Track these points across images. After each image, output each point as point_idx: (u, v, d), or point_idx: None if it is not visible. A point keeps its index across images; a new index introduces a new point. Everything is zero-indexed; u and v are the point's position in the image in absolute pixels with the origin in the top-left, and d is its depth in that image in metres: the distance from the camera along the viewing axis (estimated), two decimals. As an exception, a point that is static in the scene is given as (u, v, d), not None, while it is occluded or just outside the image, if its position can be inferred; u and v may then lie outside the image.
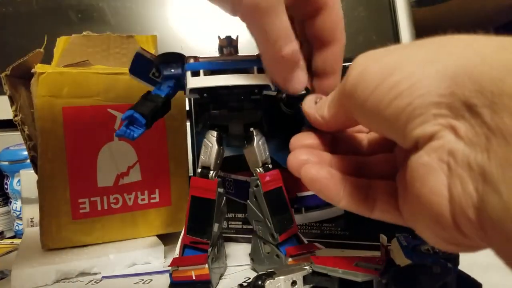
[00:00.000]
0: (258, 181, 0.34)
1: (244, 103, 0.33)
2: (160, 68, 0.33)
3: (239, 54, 0.33)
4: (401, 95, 0.17)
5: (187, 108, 0.48)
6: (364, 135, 0.28)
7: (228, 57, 0.32)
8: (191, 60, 0.32)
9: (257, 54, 0.30)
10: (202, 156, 0.34)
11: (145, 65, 0.34)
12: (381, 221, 0.42)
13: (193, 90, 0.31)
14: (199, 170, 0.34)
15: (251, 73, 0.30)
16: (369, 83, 0.18)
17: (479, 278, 0.25)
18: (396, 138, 0.19)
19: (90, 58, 0.45)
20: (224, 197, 0.36)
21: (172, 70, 0.32)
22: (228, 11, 0.27)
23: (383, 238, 0.30)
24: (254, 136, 0.34)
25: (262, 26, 0.26)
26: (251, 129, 0.34)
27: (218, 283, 0.36)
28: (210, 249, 0.34)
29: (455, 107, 0.16)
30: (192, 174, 0.50)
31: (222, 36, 0.33)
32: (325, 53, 0.31)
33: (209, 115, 0.34)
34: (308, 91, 0.31)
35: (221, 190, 0.35)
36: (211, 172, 0.34)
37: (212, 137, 0.34)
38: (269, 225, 0.34)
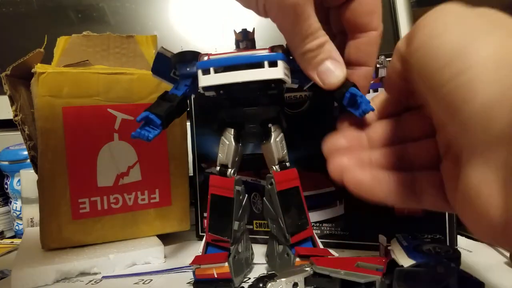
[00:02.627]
0: (272, 180, 0.33)
1: (260, 99, 0.32)
2: (177, 67, 0.33)
3: (256, 48, 0.32)
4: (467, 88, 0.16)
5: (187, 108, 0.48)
6: (399, 121, 0.27)
7: (239, 52, 0.30)
8: (203, 58, 0.31)
9: (270, 47, 0.30)
10: (220, 154, 0.34)
11: (166, 64, 0.33)
12: (380, 221, 0.42)
13: (206, 88, 0.31)
14: (217, 168, 0.34)
15: (262, 67, 0.29)
16: (436, 61, 0.18)
17: (480, 278, 0.25)
18: (448, 120, 0.18)
19: (90, 58, 0.45)
20: (246, 195, 0.36)
21: (188, 69, 0.32)
22: (260, 12, 0.26)
23: (382, 238, 0.30)
24: (272, 133, 0.33)
25: (289, 25, 0.26)
26: (269, 125, 0.33)
27: (242, 281, 0.35)
28: (232, 247, 0.34)
29: None
30: (192, 174, 0.51)
31: (238, 30, 0.32)
32: (359, 41, 0.29)
33: (225, 112, 0.34)
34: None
35: (239, 188, 0.34)
36: (229, 170, 0.34)
37: (229, 134, 0.33)
38: (282, 225, 0.33)
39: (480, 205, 0.16)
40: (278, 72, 0.28)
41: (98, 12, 0.91)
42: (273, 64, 0.28)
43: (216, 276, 0.33)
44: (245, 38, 0.32)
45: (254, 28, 0.32)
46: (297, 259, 0.32)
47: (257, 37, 0.33)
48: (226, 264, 0.32)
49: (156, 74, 0.34)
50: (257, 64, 0.29)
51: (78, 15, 0.91)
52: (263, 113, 0.33)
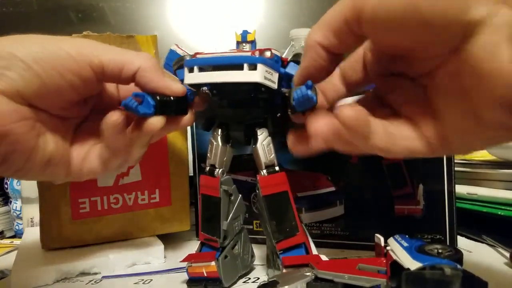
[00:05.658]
0: (258, 184, 0.33)
1: (247, 101, 0.32)
2: (177, 74, 0.33)
3: (246, 50, 0.32)
4: None
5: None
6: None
7: (227, 53, 0.30)
8: (195, 57, 0.31)
9: (258, 49, 0.29)
10: (208, 154, 0.34)
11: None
12: (380, 221, 0.42)
13: (194, 86, 0.31)
14: (207, 168, 0.34)
15: (242, 69, 0.28)
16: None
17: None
18: (438, 37, 0.19)
19: (90, 58, 0.45)
20: (240, 195, 0.36)
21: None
22: None
23: (378, 237, 0.30)
24: (258, 136, 0.33)
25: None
26: (256, 128, 0.33)
27: (235, 281, 0.35)
28: (228, 245, 0.34)
29: None
30: (192, 174, 0.50)
31: (239, 32, 0.32)
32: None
33: (214, 111, 0.34)
34: None
35: (226, 187, 0.34)
36: (217, 169, 0.34)
37: (216, 135, 0.34)
38: (268, 231, 0.33)
39: (497, 72, 0.17)
40: (257, 75, 0.28)
41: (98, 12, 0.91)
42: (253, 67, 0.28)
43: (205, 274, 0.33)
44: (245, 40, 0.32)
45: (255, 30, 0.32)
46: (284, 270, 0.31)
47: (258, 38, 0.33)
48: (213, 263, 0.33)
49: (166, 70, 0.35)
50: (238, 65, 0.28)
51: (78, 15, 0.91)
52: (248, 115, 0.33)
